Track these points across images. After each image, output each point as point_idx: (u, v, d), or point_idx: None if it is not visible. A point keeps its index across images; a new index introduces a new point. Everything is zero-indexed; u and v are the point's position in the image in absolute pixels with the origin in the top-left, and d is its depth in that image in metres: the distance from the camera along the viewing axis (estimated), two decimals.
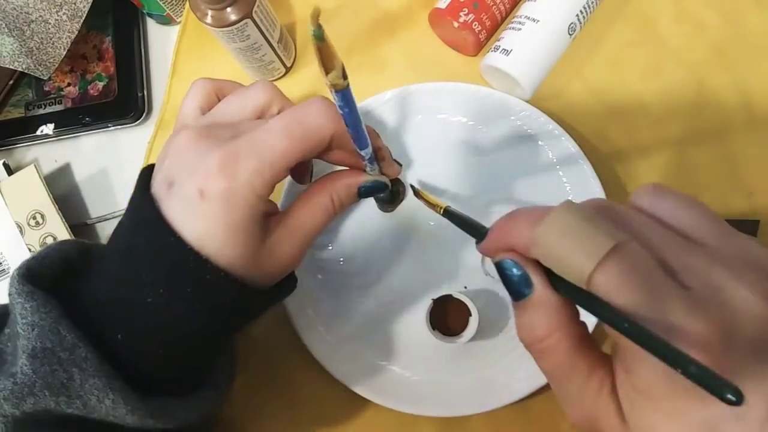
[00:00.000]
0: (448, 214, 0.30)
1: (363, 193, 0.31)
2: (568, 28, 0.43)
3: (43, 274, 0.29)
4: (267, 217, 0.29)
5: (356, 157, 0.30)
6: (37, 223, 0.45)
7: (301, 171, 0.37)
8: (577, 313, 0.22)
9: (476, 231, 0.26)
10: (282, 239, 0.29)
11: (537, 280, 0.21)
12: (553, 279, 0.21)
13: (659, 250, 0.19)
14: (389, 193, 0.34)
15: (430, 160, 0.44)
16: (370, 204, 0.43)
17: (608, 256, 0.18)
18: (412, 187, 0.35)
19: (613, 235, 0.19)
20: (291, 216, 0.30)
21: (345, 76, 0.22)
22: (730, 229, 0.20)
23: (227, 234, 0.26)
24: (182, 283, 0.27)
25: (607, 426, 0.20)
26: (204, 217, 0.26)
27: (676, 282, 0.18)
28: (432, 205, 0.32)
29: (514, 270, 0.21)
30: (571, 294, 0.20)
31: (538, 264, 0.21)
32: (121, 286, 0.28)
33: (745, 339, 0.17)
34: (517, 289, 0.21)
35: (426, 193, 0.33)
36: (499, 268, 0.22)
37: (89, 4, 0.48)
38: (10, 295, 0.28)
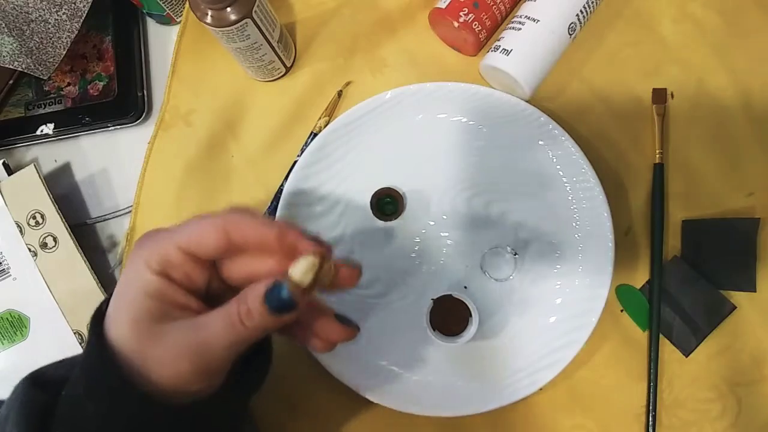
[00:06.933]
0: None
1: (270, 303, 0.26)
2: (568, 28, 0.43)
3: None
4: (176, 309, 0.27)
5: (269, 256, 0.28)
6: (37, 223, 0.45)
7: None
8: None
9: None
10: (174, 334, 0.26)
11: None
12: None
13: None
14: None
15: (430, 160, 0.44)
16: (369, 205, 0.44)
17: None
18: None
19: None
20: (198, 317, 0.27)
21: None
22: None
23: (117, 301, 0.27)
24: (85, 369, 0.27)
25: None
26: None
27: None
28: None
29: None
30: None
31: None
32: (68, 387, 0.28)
33: None
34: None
35: None
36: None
37: (89, 4, 0.48)
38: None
